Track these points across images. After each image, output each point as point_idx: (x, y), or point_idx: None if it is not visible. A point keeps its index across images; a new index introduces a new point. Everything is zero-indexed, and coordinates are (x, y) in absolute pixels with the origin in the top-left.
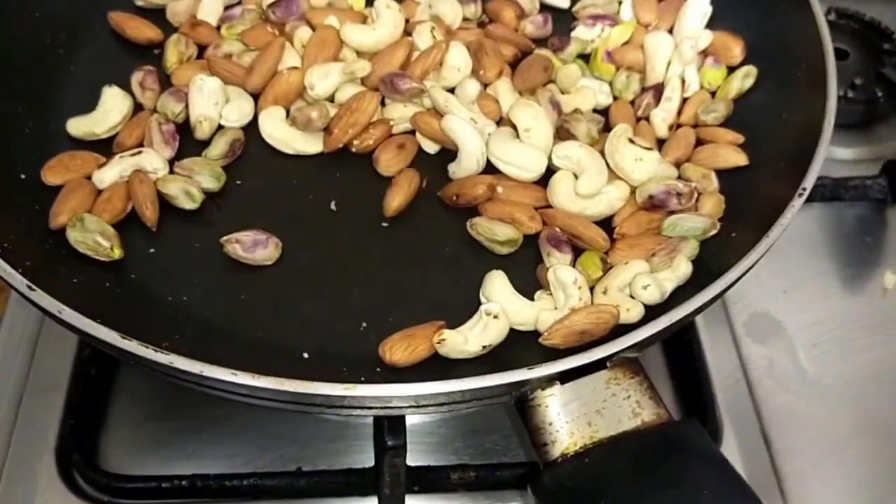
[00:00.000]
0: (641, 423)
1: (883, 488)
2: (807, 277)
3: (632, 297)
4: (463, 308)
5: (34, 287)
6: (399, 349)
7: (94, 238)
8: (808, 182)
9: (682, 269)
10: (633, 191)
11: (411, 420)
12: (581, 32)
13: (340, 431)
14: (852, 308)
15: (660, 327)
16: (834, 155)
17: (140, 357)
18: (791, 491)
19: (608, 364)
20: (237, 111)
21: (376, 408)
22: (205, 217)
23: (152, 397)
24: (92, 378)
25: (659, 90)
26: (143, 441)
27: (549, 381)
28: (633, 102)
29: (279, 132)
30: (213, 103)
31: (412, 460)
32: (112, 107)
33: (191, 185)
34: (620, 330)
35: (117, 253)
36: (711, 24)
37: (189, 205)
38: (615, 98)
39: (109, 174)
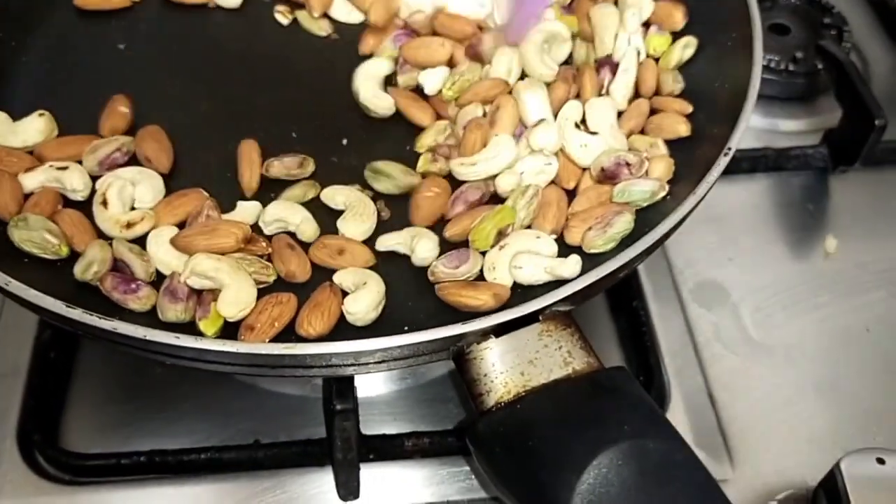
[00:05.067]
0: (572, 371)
1: (826, 443)
2: (752, 245)
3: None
4: None
5: None
6: (315, 320)
7: (42, 235)
8: (733, 142)
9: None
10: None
11: (369, 392)
12: None
13: (299, 406)
14: (796, 272)
15: (588, 282)
16: (778, 127)
17: (86, 325)
18: (737, 449)
19: (540, 317)
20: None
21: (318, 366)
22: None
23: (112, 379)
24: (51, 361)
25: (610, 63)
26: (105, 422)
27: (485, 334)
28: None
29: None
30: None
31: (371, 430)
32: (37, 129)
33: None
34: (553, 285)
35: (65, 251)
36: None
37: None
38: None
39: (32, 182)
